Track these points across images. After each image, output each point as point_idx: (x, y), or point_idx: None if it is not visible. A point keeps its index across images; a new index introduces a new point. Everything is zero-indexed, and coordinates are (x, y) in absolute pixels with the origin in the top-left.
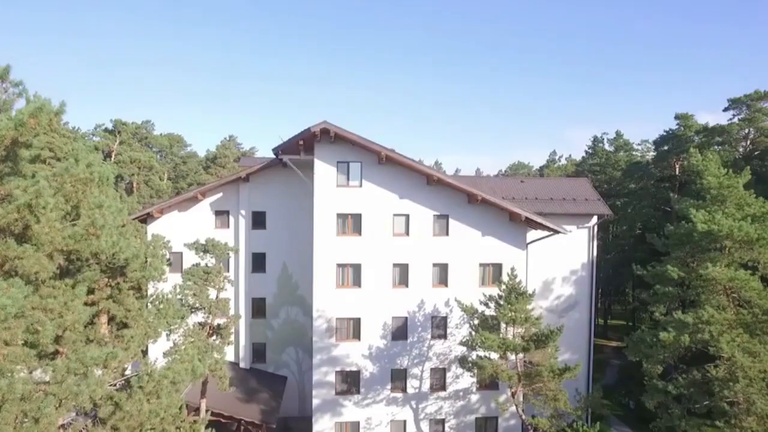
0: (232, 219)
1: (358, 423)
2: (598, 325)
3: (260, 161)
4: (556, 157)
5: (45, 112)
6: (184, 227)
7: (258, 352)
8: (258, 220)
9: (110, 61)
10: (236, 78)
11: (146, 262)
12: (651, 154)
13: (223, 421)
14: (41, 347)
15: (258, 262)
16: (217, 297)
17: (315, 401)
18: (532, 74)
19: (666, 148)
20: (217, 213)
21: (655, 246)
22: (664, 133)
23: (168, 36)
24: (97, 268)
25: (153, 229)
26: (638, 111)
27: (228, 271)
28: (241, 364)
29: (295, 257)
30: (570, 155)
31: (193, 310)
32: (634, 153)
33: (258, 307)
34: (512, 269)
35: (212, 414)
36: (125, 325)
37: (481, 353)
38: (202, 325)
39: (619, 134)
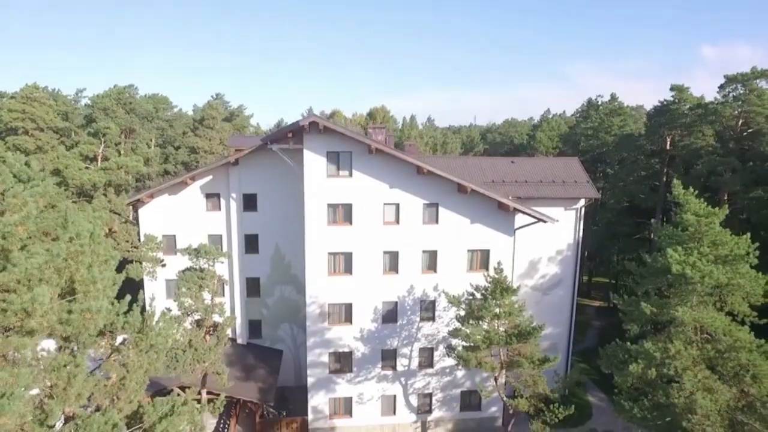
0: (223, 201)
1: (350, 398)
2: (581, 283)
3: (250, 141)
4: (550, 116)
5: (32, 219)
6: (175, 210)
7: (254, 328)
8: (249, 203)
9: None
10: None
11: (144, 323)
12: (643, 120)
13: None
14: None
15: (251, 244)
16: (212, 299)
17: (310, 380)
18: (532, 10)
19: (659, 120)
20: (208, 196)
21: (633, 273)
22: (659, 104)
23: None
24: (95, 331)
25: (144, 213)
26: (637, 49)
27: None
28: (239, 340)
29: (287, 238)
30: (564, 111)
31: (189, 313)
32: (627, 118)
33: (252, 287)
34: (499, 263)
35: (213, 395)
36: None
37: (466, 344)
38: (199, 323)
39: (613, 97)
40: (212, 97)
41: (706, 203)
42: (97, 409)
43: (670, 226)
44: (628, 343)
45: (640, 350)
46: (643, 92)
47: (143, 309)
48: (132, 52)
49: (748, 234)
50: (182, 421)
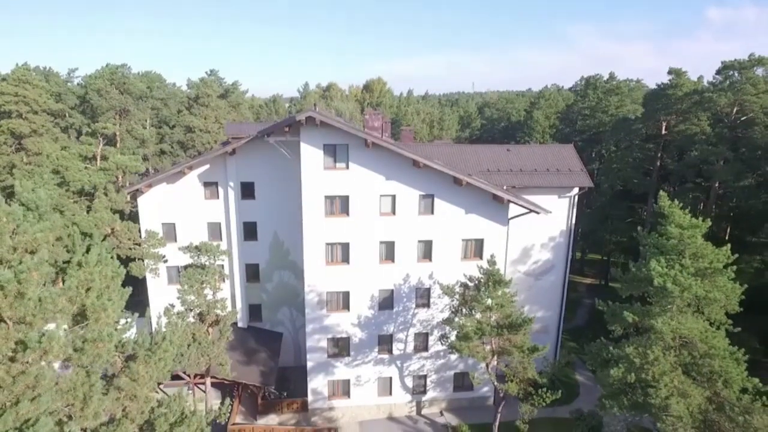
0: (221, 190)
1: (348, 381)
2: (574, 260)
3: (247, 128)
4: (548, 92)
5: (45, 264)
6: (174, 198)
7: (254, 311)
8: (247, 191)
9: None
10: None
11: (153, 343)
12: (640, 102)
13: (226, 383)
14: None
15: (249, 231)
16: (214, 296)
17: (309, 363)
18: None
19: (655, 105)
20: (206, 184)
21: (619, 281)
22: (656, 87)
23: None
24: (108, 356)
25: (143, 202)
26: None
27: (221, 239)
28: (240, 324)
29: (285, 225)
30: (563, 86)
31: (191, 309)
32: (624, 98)
33: (252, 272)
34: (492, 255)
35: (216, 380)
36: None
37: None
38: (201, 318)
39: (611, 76)
40: (206, 73)
41: (690, 214)
42: (111, 420)
43: (656, 234)
44: (611, 347)
45: (622, 354)
46: (644, 54)
47: (149, 320)
48: (125, 21)
49: (728, 246)
50: (191, 429)
